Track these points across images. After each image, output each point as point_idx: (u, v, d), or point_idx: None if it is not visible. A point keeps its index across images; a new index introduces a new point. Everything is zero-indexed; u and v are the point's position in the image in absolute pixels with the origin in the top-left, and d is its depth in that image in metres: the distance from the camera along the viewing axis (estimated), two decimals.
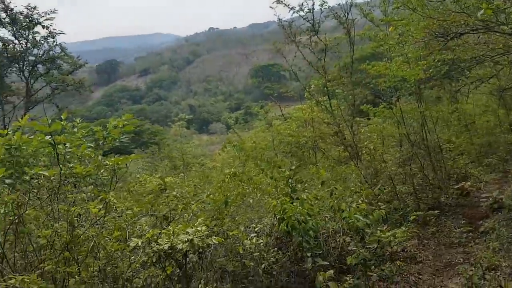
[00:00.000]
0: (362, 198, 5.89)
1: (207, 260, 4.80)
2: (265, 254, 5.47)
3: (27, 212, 4.37)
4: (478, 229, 7.77)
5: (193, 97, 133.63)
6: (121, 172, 5.09)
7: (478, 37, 10.16)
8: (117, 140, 5.67)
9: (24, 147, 4.80)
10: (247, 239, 5.30)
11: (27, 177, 4.24)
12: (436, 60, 9.17)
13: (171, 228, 3.87)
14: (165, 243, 3.79)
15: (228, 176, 7.65)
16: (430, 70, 9.35)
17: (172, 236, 3.79)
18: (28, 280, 3.44)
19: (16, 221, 4.26)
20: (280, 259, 5.73)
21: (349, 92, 11.44)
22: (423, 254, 7.23)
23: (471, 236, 7.51)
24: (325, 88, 11.37)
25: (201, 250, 3.97)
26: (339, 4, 10.12)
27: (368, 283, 5.37)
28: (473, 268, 5.81)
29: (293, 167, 5.79)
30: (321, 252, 5.62)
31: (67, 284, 3.74)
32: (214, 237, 4.07)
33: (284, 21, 10.34)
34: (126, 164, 4.83)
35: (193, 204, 5.06)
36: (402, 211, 9.39)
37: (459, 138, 15.12)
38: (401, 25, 8.42)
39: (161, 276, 4.01)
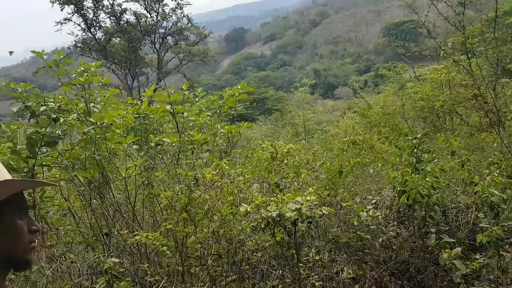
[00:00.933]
0: (498, 171, 5.32)
1: (318, 230, 4.88)
2: (383, 228, 5.35)
3: (154, 174, 4.95)
4: None
5: (319, 61, 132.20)
6: (236, 139, 5.38)
7: None
8: (234, 109, 5.99)
9: (152, 116, 5.38)
10: (363, 211, 5.21)
11: (152, 144, 4.75)
12: None
13: (279, 196, 4.01)
14: (274, 211, 3.95)
15: (347, 144, 7.54)
16: None
17: (280, 204, 3.94)
18: (151, 238, 3.92)
19: (146, 182, 4.85)
20: (401, 234, 5.56)
21: (493, 49, 10.17)
22: None
23: None
24: (464, 46, 10.28)
25: (310, 219, 4.04)
26: None
27: (501, 263, 4.90)
28: None
29: (419, 135, 5.45)
30: (448, 228, 5.28)
31: (186, 242, 4.18)
32: (324, 207, 4.10)
33: None
34: (239, 132, 5.09)
35: (306, 172, 5.14)
36: None
37: None
38: None
39: (271, 242, 4.23)
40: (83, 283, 4.12)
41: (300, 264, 4.88)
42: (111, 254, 4.21)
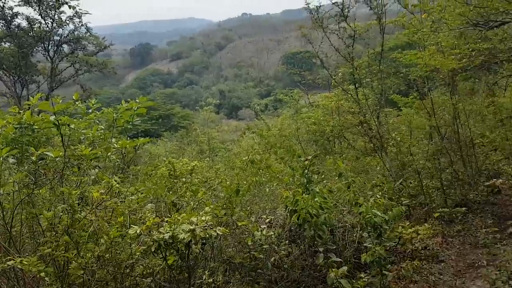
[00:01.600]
0: (381, 193, 5.56)
1: (214, 251, 4.64)
2: (276, 247, 5.27)
3: (36, 192, 4.31)
4: (507, 230, 7.30)
5: (224, 82, 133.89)
6: (131, 156, 4.95)
7: None
8: (131, 123, 5.54)
9: (36, 127, 4.74)
10: (257, 230, 5.08)
11: (34, 158, 4.15)
12: (470, 50, 8.60)
13: (174, 216, 3.70)
14: (166, 232, 3.63)
15: (245, 164, 7.45)
16: (464, 60, 8.80)
17: (174, 225, 3.63)
18: (27, 263, 3.36)
19: (26, 200, 4.21)
20: (292, 253, 5.52)
21: (378, 81, 10.96)
22: (446, 253, 6.86)
23: (498, 237, 7.06)
24: (353, 76, 10.93)
25: (204, 241, 3.78)
26: None
27: (384, 282, 5.08)
28: (498, 272, 5.42)
29: (310, 157, 5.51)
30: (335, 247, 5.36)
31: (68, 268, 3.65)
32: (219, 227, 3.88)
33: (313, 5, 9.94)
34: (135, 148, 4.68)
35: (203, 191, 4.88)
36: (427, 207, 8.98)
37: (494, 133, 14.37)
38: (436, 11, 7.90)
39: (162, 266, 3.88)
40: None
41: None
42: None
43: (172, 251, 3.77)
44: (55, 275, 3.62)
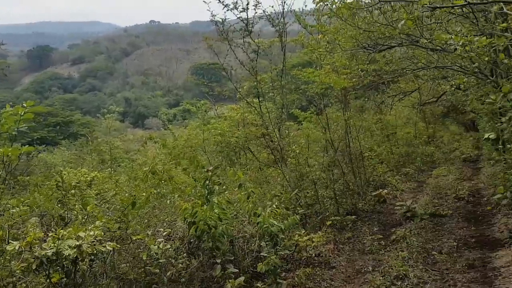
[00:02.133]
0: (277, 203, 5.72)
1: (106, 267, 4.36)
2: (173, 260, 5.12)
3: None
4: (390, 236, 7.96)
5: (130, 90, 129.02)
6: (15, 165, 4.48)
7: (405, 52, 10.54)
8: (16, 129, 5.05)
9: None
10: (154, 244, 4.90)
11: None
12: (360, 70, 9.34)
13: (58, 231, 3.41)
14: (50, 248, 3.33)
15: (146, 174, 7.19)
16: (354, 80, 9.52)
17: (58, 241, 3.34)
18: None
19: None
20: (190, 266, 5.42)
21: (280, 96, 11.40)
22: (337, 260, 7.24)
23: (383, 244, 7.65)
24: (256, 90, 11.22)
25: (92, 257, 3.54)
26: (272, 6, 10.00)
27: None
28: (382, 277, 5.85)
29: (211, 168, 5.49)
30: (233, 258, 5.38)
31: None
32: (110, 242, 3.66)
33: (219, 18, 10.05)
34: (19, 156, 4.26)
35: (93, 203, 4.59)
36: (322, 215, 9.46)
37: (380, 147, 15.71)
38: (330, 33, 8.45)
39: (45, 285, 3.54)
40: None
41: None
42: None
43: (56, 268, 3.46)
44: None
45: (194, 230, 4.72)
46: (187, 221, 4.86)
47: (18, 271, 3.40)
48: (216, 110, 17.80)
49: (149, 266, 4.66)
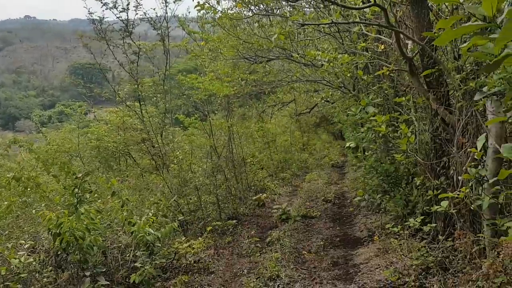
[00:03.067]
0: (154, 210, 5.46)
1: None
2: (37, 275, 4.55)
3: None
4: (267, 239, 8.18)
5: (0, 89, 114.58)
6: None
7: (282, 65, 11.03)
8: None
9: None
10: (15, 257, 4.30)
11: None
12: (240, 79, 9.53)
13: None
14: None
15: (8, 182, 6.34)
16: (235, 88, 9.68)
17: None
18: None
19: None
20: (58, 280, 4.87)
21: (162, 100, 11.04)
22: (216, 264, 7.19)
23: (259, 246, 7.82)
24: (137, 93, 10.72)
25: None
26: (154, 9, 9.68)
27: None
28: (256, 279, 5.94)
29: (80, 174, 5.01)
30: (105, 269, 4.97)
31: None
32: None
33: (98, 16, 9.38)
34: None
35: None
36: (204, 221, 9.36)
37: (261, 154, 16.25)
38: (213, 41, 8.45)
39: None
40: None
41: None
42: None
43: None
44: None
45: (59, 242, 4.23)
46: (51, 232, 4.34)
47: None
48: (94, 113, 16.63)
49: (9, 281, 4.07)
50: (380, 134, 6.72)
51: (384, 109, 6.93)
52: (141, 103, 10.33)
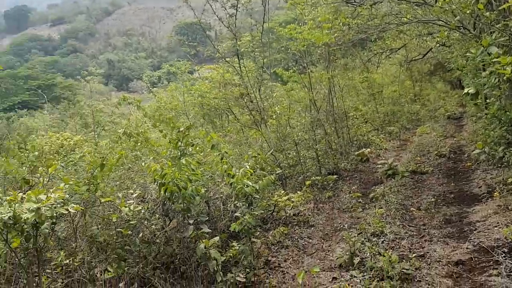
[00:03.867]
0: (249, 163, 5.65)
1: (76, 230, 4.31)
2: (145, 222, 5.08)
3: None
4: (369, 195, 8.02)
5: (112, 51, 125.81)
6: None
7: (390, 7, 10.25)
8: None
9: None
10: (125, 206, 4.83)
11: None
12: (342, 24, 9.09)
13: (14, 194, 3.29)
14: (7, 212, 3.23)
15: (119, 137, 7.05)
16: (336, 35, 9.28)
17: (15, 204, 3.24)
18: None
19: None
20: (165, 227, 5.39)
21: (260, 54, 11.12)
22: (316, 218, 7.30)
23: (362, 202, 7.71)
24: (236, 48, 10.94)
25: (54, 220, 3.45)
26: None
27: (253, 249, 5.23)
28: (357, 235, 5.91)
29: (182, 129, 5.36)
30: (208, 218, 5.35)
31: None
32: (73, 205, 3.57)
33: None
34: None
35: (56, 165, 4.46)
36: (303, 176, 9.49)
37: (366, 106, 15.65)
38: None
39: (3, 250, 3.47)
40: None
41: (48, 271, 4.23)
42: None
43: (15, 233, 3.38)
44: None
45: (163, 192, 4.64)
46: (157, 182, 4.77)
47: None
48: (197, 71, 17.46)
49: (120, 228, 4.61)
50: (505, 78, 5.99)
51: (510, 50, 6.11)
52: (239, 58, 10.55)
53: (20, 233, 3.38)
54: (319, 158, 10.12)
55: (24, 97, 55.58)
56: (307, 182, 7.45)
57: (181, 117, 14.74)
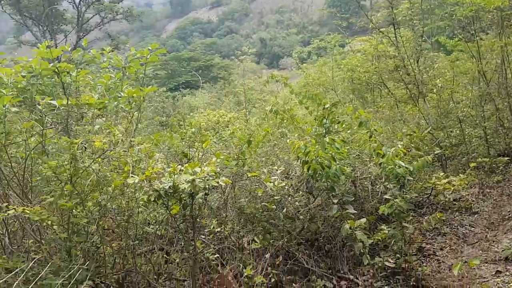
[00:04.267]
0: (402, 142, 5.27)
1: (226, 201, 4.64)
2: (289, 198, 5.19)
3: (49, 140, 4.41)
4: None
5: (265, 30, 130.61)
6: (140, 103, 4.92)
7: None
8: (143, 72, 5.48)
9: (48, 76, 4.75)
10: (270, 181, 5.00)
11: (40, 107, 4.19)
12: None
13: (173, 166, 3.66)
14: (168, 182, 3.62)
15: (267, 114, 7.30)
16: None
17: (174, 176, 3.60)
18: (29, 212, 3.47)
19: (39, 150, 4.31)
20: (309, 204, 5.44)
21: (420, 22, 10.23)
22: (481, 205, 6.56)
23: None
24: (392, 17, 10.27)
25: (207, 191, 3.75)
26: None
27: (404, 234, 4.93)
28: None
29: (327, 106, 5.26)
30: (353, 199, 5.21)
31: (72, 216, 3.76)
32: (223, 178, 3.82)
33: None
34: (144, 97, 4.64)
35: (209, 140, 4.82)
36: (467, 157, 8.58)
37: None
38: None
39: (165, 216, 3.92)
40: None
41: (202, 236, 4.64)
42: None
43: (174, 201, 3.77)
44: (59, 223, 3.74)
45: (307, 169, 4.66)
46: (300, 160, 4.81)
47: (141, 202, 3.80)
48: (349, 44, 16.98)
49: (265, 202, 4.81)
50: None
51: None
52: (395, 28, 9.90)
53: (178, 201, 3.76)
54: (488, 137, 9.00)
55: (187, 78, 61.76)
56: (472, 164, 6.68)
57: (329, 93, 14.59)
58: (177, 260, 4.34)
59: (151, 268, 4.10)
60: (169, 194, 3.65)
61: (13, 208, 3.42)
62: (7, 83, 4.29)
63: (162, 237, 4.58)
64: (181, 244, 4.51)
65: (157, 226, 4.22)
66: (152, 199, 3.58)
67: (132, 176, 3.59)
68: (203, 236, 4.58)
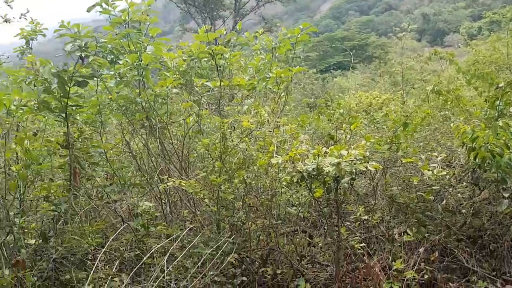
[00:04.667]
0: None
1: (376, 188, 4.39)
2: (451, 189, 4.68)
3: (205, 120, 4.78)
4: None
5: (428, 4, 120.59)
6: (286, 84, 4.95)
7: None
8: (293, 52, 5.48)
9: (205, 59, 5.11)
10: (428, 169, 4.56)
11: (197, 88, 4.52)
12: None
13: (317, 148, 3.57)
14: (312, 164, 3.56)
15: (428, 95, 6.70)
16: None
17: (319, 158, 3.52)
18: (185, 185, 3.79)
19: (197, 129, 4.70)
20: (473, 197, 4.84)
21: None
22: None
23: None
24: None
25: (353, 176, 3.58)
26: None
27: None
28: None
29: (502, 85, 4.54)
30: None
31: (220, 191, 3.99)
32: (372, 163, 3.60)
33: None
34: (291, 77, 4.65)
35: (358, 122, 4.59)
36: None
37: None
38: None
39: (307, 198, 3.86)
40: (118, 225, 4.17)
41: (347, 223, 4.50)
42: (146, 199, 4.18)
43: (318, 184, 3.70)
44: (210, 197, 4.01)
45: (473, 158, 4.10)
46: (466, 146, 4.26)
47: (284, 183, 3.83)
48: None
49: (422, 192, 4.42)
50: None
51: None
52: None
53: (322, 184, 3.68)
54: None
55: (338, 58, 60.72)
56: None
57: (503, 72, 12.78)
58: (320, 244, 4.28)
59: (294, 249, 4.12)
60: (312, 176, 3.58)
61: (172, 181, 3.78)
62: (170, 66, 4.73)
63: (305, 219, 4.57)
64: (324, 229, 4.44)
65: (300, 208, 4.22)
66: (295, 180, 3.56)
67: (276, 157, 3.62)
68: (348, 223, 4.43)
